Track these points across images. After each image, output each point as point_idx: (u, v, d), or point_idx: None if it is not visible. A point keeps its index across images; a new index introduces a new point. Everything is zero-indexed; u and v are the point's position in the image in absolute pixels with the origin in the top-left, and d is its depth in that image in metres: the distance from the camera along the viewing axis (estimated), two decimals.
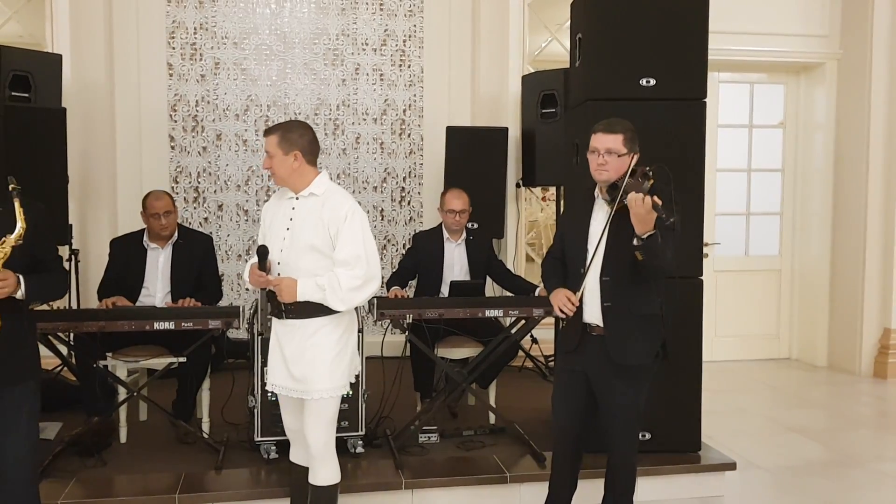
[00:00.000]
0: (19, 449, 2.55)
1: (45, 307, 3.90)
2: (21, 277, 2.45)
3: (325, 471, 2.90)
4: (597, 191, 2.94)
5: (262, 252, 2.80)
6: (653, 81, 3.68)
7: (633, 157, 2.84)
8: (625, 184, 2.73)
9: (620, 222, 2.78)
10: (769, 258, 6.54)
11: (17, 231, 2.40)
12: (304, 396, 2.82)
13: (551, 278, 3.10)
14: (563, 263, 3.06)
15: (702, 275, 3.82)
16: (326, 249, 2.77)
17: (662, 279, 2.92)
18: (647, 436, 3.71)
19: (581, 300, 2.87)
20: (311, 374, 2.81)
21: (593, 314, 2.88)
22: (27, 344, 2.61)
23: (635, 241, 2.67)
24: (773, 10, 6.05)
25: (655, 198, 2.59)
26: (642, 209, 2.59)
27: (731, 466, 3.82)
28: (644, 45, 3.68)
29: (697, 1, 3.75)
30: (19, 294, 2.45)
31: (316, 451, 2.87)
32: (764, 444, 4.50)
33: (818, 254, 6.34)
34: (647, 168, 2.71)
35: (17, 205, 2.42)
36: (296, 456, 3.05)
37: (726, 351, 6.37)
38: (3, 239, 2.41)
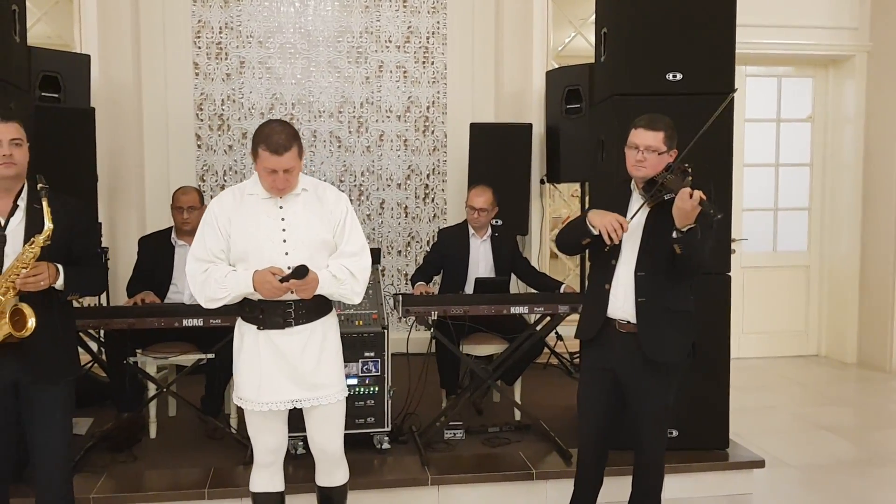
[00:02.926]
0: (55, 444, 2.61)
1: (75, 304, 3.95)
2: (60, 267, 2.49)
3: (342, 470, 2.87)
4: (633, 185, 2.91)
5: (304, 271, 2.52)
6: (680, 76, 3.65)
7: (672, 155, 2.82)
8: (664, 179, 2.72)
9: (657, 217, 2.77)
10: (797, 254, 6.47)
11: (45, 231, 2.44)
12: (322, 402, 2.69)
13: (577, 219, 2.99)
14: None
15: (730, 271, 3.79)
16: (332, 243, 2.67)
17: (699, 275, 2.90)
18: (675, 433, 3.69)
19: (608, 293, 2.85)
20: (329, 378, 2.71)
21: (624, 309, 2.85)
22: (65, 342, 2.66)
23: (675, 234, 2.66)
24: (800, 2, 5.98)
25: (702, 193, 2.57)
26: (689, 204, 2.57)
27: (760, 464, 3.79)
28: (671, 39, 3.65)
29: None
30: (58, 284, 2.49)
31: (338, 454, 2.82)
32: (793, 441, 4.46)
33: (847, 249, 6.26)
34: (686, 164, 2.70)
35: (45, 204, 2.46)
36: (273, 482, 2.83)
37: (754, 348, 6.31)
38: (33, 239, 2.45)
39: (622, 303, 2.85)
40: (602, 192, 3.11)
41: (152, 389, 4.02)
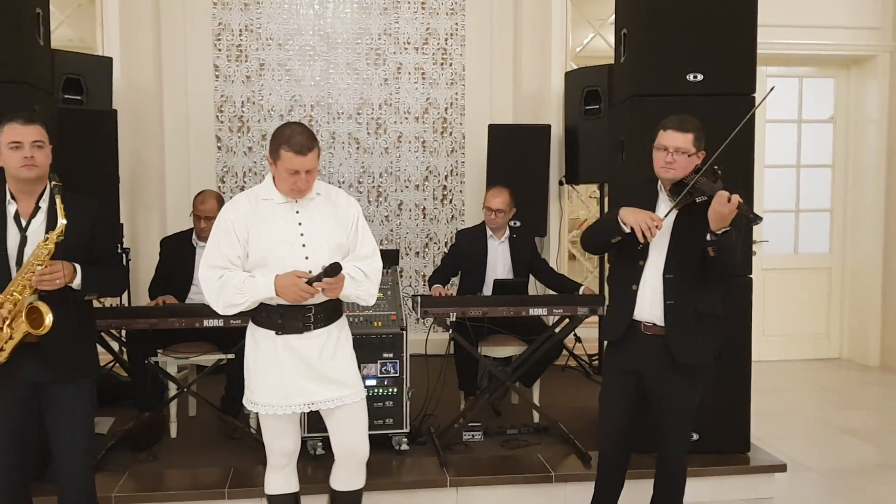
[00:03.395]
0: (76, 443, 2.63)
1: (96, 304, 3.99)
2: (77, 266, 2.51)
3: (363, 475, 2.84)
4: (660, 186, 2.89)
5: (336, 268, 2.53)
6: (700, 76, 3.63)
7: (700, 156, 2.80)
8: (695, 181, 2.69)
9: (686, 219, 2.76)
10: (819, 256, 6.41)
11: (58, 226, 2.46)
12: (346, 402, 2.69)
13: (607, 217, 2.96)
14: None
15: (751, 273, 3.76)
16: (346, 246, 2.68)
17: (731, 278, 2.87)
18: (696, 436, 3.65)
19: (636, 295, 2.83)
20: (349, 378, 2.71)
21: (652, 312, 2.82)
22: (84, 342, 2.68)
23: (709, 237, 2.64)
24: (822, 1, 5.92)
25: (738, 196, 2.56)
26: (727, 207, 2.55)
27: (782, 468, 3.76)
28: (691, 40, 3.63)
29: None
30: (75, 283, 2.51)
31: (365, 457, 2.80)
32: (814, 445, 4.42)
33: (870, 251, 6.19)
34: (715, 166, 2.69)
35: (58, 200, 2.48)
36: (288, 484, 2.83)
37: (775, 351, 6.26)
38: (47, 236, 2.47)
39: (649, 304, 2.83)
40: (626, 193, 3.08)
41: (173, 389, 4.05)
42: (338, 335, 2.70)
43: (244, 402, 2.76)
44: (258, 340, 2.67)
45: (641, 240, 2.71)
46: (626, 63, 3.81)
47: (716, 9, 3.64)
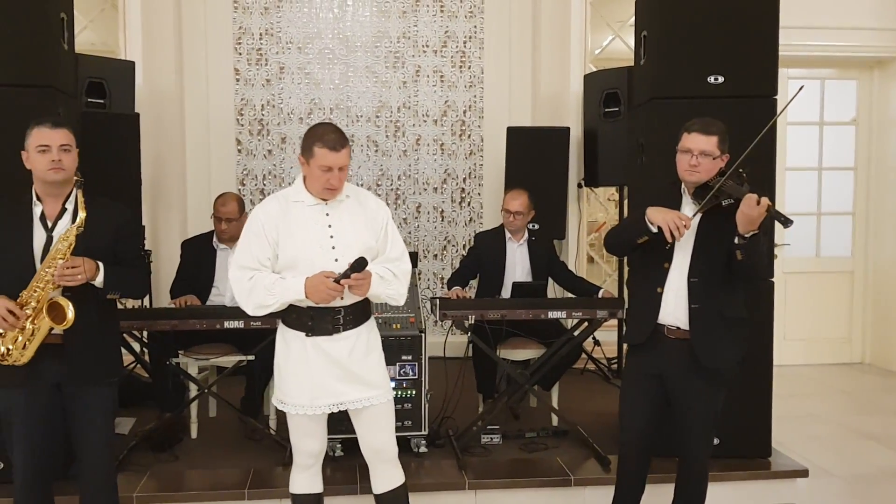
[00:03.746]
0: (98, 444, 2.66)
1: (119, 306, 4.03)
2: (100, 264, 2.53)
3: (398, 471, 2.84)
4: (683, 189, 2.87)
5: (362, 263, 2.54)
6: (721, 79, 3.61)
7: (724, 159, 2.78)
8: (721, 184, 2.68)
9: (710, 222, 2.74)
10: (841, 259, 6.34)
11: (78, 219, 2.49)
12: (374, 402, 2.70)
13: (630, 219, 2.95)
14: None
15: (773, 276, 3.73)
16: (375, 249, 2.69)
17: (758, 281, 2.85)
18: (717, 441, 3.63)
19: (660, 298, 2.82)
20: (377, 379, 2.73)
21: (676, 315, 2.81)
22: (107, 344, 2.71)
23: (737, 240, 2.63)
24: (844, 3, 5.86)
25: (767, 199, 2.55)
26: (756, 211, 2.54)
27: (803, 473, 3.72)
28: (712, 42, 3.61)
29: None
30: (98, 281, 2.54)
31: (393, 454, 2.80)
32: (837, 451, 4.37)
33: (893, 255, 6.12)
34: (741, 170, 2.68)
35: (79, 195, 2.51)
36: (312, 484, 2.85)
37: (796, 355, 6.19)
38: (67, 229, 2.50)
39: (673, 308, 2.81)
40: (647, 195, 3.07)
41: (193, 390, 4.09)
42: (367, 336, 2.72)
43: (273, 401, 2.78)
44: (288, 341, 2.68)
45: (669, 239, 2.70)
46: (645, 65, 3.80)
47: (737, 10, 3.62)
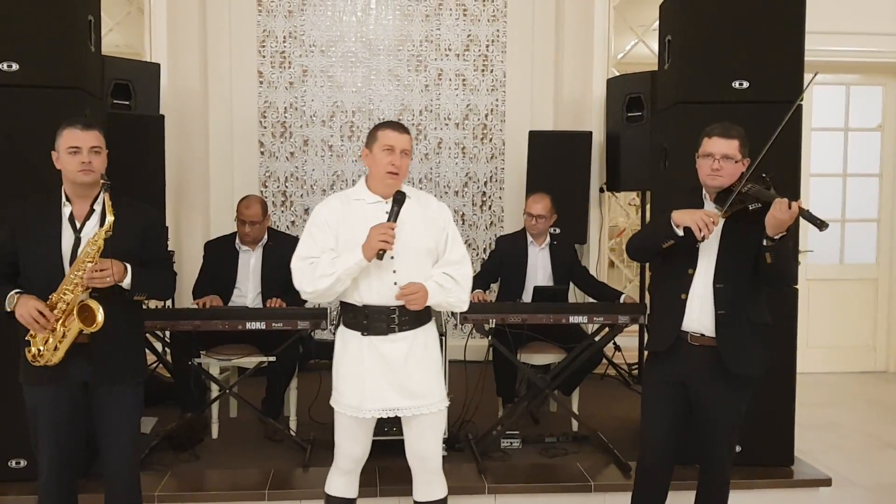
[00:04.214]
0: (123, 443, 2.68)
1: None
2: (128, 265, 2.56)
3: (441, 483, 2.81)
4: (704, 195, 2.86)
5: (402, 197, 2.59)
6: (746, 84, 3.59)
7: (745, 163, 2.78)
8: (748, 189, 2.67)
9: (734, 227, 2.73)
10: (865, 266, 6.27)
11: (106, 223, 2.51)
12: (424, 411, 2.66)
13: (655, 221, 2.93)
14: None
15: (796, 283, 3.69)
16: (435, 251, 2.68)
17: (785, 286, 2.83)
18: (738, 448, 3.61)
19: (685, 304, 2.80)
20: (431, 388, 2.68)
21: (701, 322, 2.78)
22: (133, 344, 2.74)
23: (765, 243, 2.61)
24: (869, 7, 5.80)
25: (801, 203, 2.54)
26: (787, 214, 2.53)
27: (826, 482, 3.69)
28: (737, 47, 3.59)
29: (793, 0, 3.64)
30: (125, 283, 2.56)
31: (438, 465, 2.77)
32: (860, 460, 4.31)
33: None
34: (764, 174, 2.68)
35: (106, 198, 2.53)
36: (349, 489, 2.84)
37: (819, 363, 6.12)
38: (96, 233, 2.52)
39: (698, 315, 2.79)
40: (669, 201, 3.05)
41: (215, 390, 4.11)
42: (424, 340, 2.69)
43: (331, 401, 2.77)
44: (346, 341, 2.69)
45: (699, 237, 2.67)
46: (670, 70, 3.78)
47: (762, 15, 3.60)
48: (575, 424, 4.24)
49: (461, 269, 2.69)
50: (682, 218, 2.71)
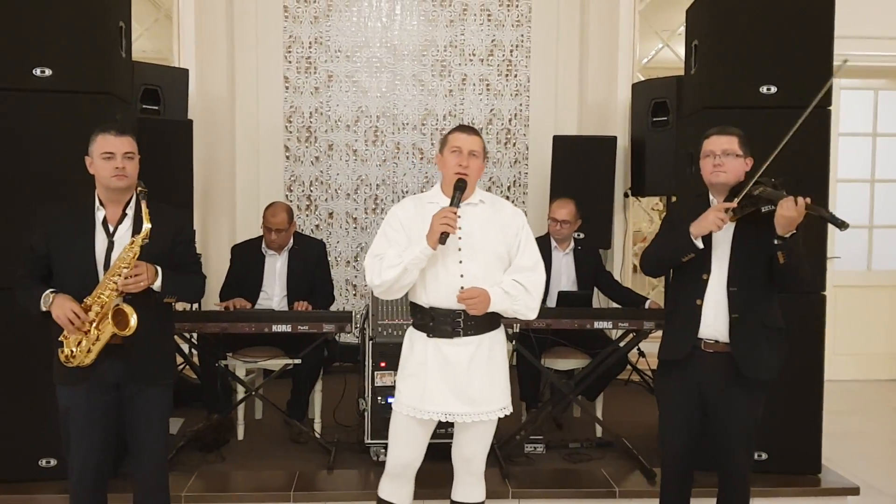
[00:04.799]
0: (154, 444, 2.72)
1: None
2: (158, 268, 2.60)
3: (481, 487, 2.81)
4: (712, 198, 2.86)
5: (463, 184, 2.58)
6: (774, 89, 3.57)
7: (748, 162, 2.79)
8: (759, 191, 2.67)
9: (747, 230, 2.73)
10: (893, 273, 6.19)
11: (143, 230, 2.55)
12: (484, 418, 2.63)
13: (671, 236, 2.90)
14: None
15: (824, 290, 3.67)
16: (506, 257, 2.65)
17: (801, 290, 2.82)
18: (764, 456, 3.59)
19: (700, 310, 2.79)
20: (493, 394, 2.65)
21: (716, 328, 2.78)
22: (165, 345, 2.78)
23: (777, 241, 2.61)
24: None
25: (809, 200, 2.54)
26: (794, 211, 2.53)
27: (854, 491, 3.65)
28: (764, 51, 3.57)
29: (821, 4, 3.62)
30: (156, 285, 2.61)
31: (481, 468, 2.77)
32: (888, 468, 4.26)
33: None
34: (773, 178, 2.68)
35: (143, 206, 2.58)
36: (399, 494, 2.78)
37: (847, 370, 6.06)
38: (132, 239, 2.56)
39: (713, 320, 2.78)
40: (680, 208, 3.06)
41: (241, 392, 4.14)
42: (490, 346, 2.65)
43: (392, 402, 2.75)
44: (413, 341, 2.69)
45: (717, 230, 2.70)
46: (696, 74, 3.77)
47: (790, 20, 3.58)
48: (599, 430, 4.22)
49: (532, 276, 2.64)
50: (699, 228, 2.73)
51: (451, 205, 2.56)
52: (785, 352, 2.83)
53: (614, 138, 5.49)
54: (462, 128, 2.67)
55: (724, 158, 2.76)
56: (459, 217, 2.57)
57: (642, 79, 5.74)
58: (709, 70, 3.67)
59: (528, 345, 4.00)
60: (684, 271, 2.88)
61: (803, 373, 3.58)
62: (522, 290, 2.61)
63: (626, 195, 5.76)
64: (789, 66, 3.57)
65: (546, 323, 3.87)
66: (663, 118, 5.20)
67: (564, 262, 4.53)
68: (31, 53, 3.39)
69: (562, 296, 4.28)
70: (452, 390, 2.60)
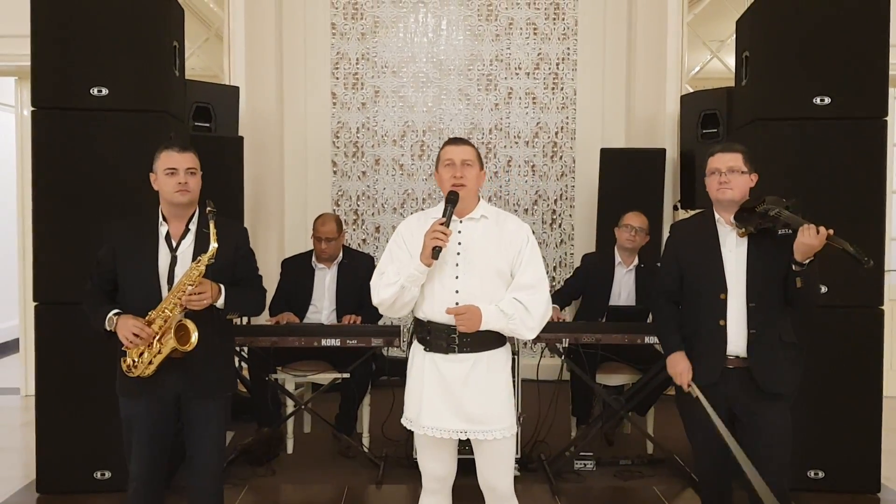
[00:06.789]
0: (211, 456, 2.76)
1: None
2: (222, 286, 2.65)
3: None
4: (717, 216, 2.84)
5: (455, 196, 2.53)
6: (828, 100, 3.50)
7: (753, 178, 2.81)
8: (776, 212, 2.66)
9: (759, 247, 2.75)
10: None
11: (210, 250, 2.60)
12: (486, 437, 2.54)
13: (671, 335, 2.91)
14: (676, 303, 2.96)
15: (882, 304, 3.58)
16: (508, 273, 2.57)
17: (812, 309, 2.79)
18: (821, 474, 3.50)
19: (725, 330, 2.76)
20: (494, 413, 2.55)
21: (737, 344, 2.75)
22: (223, 359, 2.83)
23: (795, 268, 2.62)
24: None
25: (832, 231, 2.54)
26: (814, 240, 2.54)
27: None
28: (818, 62, 3.51)
29: (876, 13, 3.54)
30: (219, 303, 2.66)
31: (508, 492, 2.63)
32: None
33: None
34: (784, 199, 2.70)
35: (212, 226, 2.63)
36: None
37: None
38: (199, 258, 2.62)
39: (735, 337, 2.76)
40: (682, 226, 3.01)
41: (290, 406, 4.18)
42: (488, 365, 2.57)
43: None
44: (414, 355, 2.67)
45: (686, 390, 2.83)
46: (748, 86, 3.72)
47: (843, 29, 3.52)
48: (650, 447, 4.16)
49: (534, 294, 2.54)
50: (672, 369, 2.87)
51: (443, 217, 2.53)
52: (802, 366, 2.81)
53: (663, 150, 5.43)
54: (452, 140, 2.65)
55: (729, 175, 2.77)
56: (460, 232, 2.57)
57: (690, 90, 5.67)
58: (761, 81, 3.61)
59: (579, 361, 3.97)
60: (699, 292, 2.85)
61: (861, 388, 3.50)
62: (522, 310, 2.52)
63: (675, 208, 5.69)
64: (843, 77, 3.50)
65: (595, 338, 3.84)
66: (713, 129, 5.12)
67: (626, 279, 4.45)
68: (89, 73, 3.50)
69: (612, 310, 4.24)
70: (448, 406, 2.54)
